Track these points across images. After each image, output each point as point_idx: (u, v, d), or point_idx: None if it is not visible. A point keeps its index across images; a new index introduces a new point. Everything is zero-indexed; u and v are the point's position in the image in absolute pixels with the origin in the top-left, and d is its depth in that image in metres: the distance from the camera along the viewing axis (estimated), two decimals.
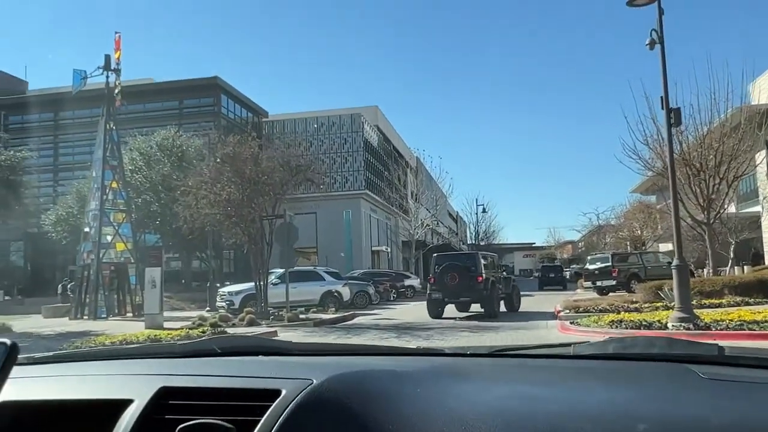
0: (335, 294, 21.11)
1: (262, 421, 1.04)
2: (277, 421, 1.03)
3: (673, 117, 10.75)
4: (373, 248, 47.86)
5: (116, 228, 23.07)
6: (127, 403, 1.17)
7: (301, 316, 17.92)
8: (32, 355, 1.61)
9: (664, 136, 17.17)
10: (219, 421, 1.06)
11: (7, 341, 0.99)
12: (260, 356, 1.52)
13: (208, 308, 22.38)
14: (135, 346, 2.08)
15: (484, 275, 17.28)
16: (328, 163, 45.73)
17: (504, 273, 20.98)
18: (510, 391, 1.19)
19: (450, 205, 71.58)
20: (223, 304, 20.78)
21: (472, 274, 17.18)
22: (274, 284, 19.25)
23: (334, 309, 19.99)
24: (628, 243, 39.54)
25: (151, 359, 1.58)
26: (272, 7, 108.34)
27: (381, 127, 51.84)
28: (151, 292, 17.43)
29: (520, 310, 19.66)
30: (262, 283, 18.68)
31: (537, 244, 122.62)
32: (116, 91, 23.05)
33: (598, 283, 25.35)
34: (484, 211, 46.05)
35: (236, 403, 1.12)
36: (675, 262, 11.34)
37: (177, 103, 41.33)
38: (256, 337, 2.12)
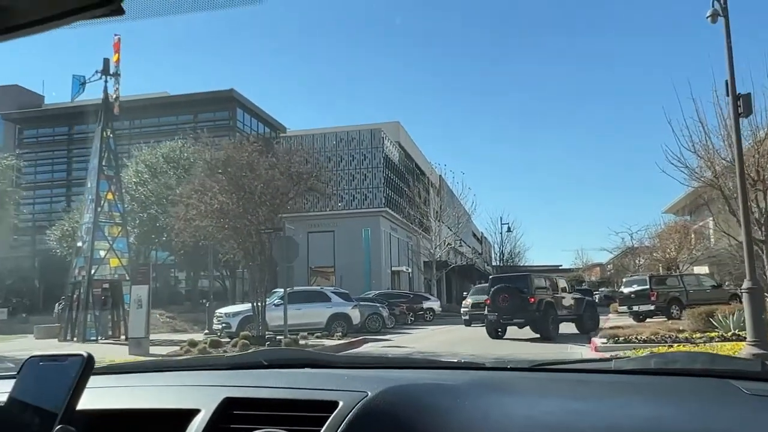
0: (343, 317, 19.09)
1: (322, 431, 1.09)
2: (337, 431, 1.07)
3: (742, 105, 8.76)
4: (393, 268, 45.91)
5: (111, 242, 21.49)
6: (194, 412, 1.21)
7: (302, 341, 16.04)
8: (102, 365, 1.66)
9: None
10: (282, 430, 1.10)
11: (84, 353, 1.07)
12: (306, 368, 1.54)
13: (206, 331, 20.65)
14: (189, 357, 2.03)
15: (536, 296, 17.23)
16: (347, 180, 44.11)
17: (572, 293, 20.29)
18: (554, 405, 1.19)
19: (474, 225, 69.42)
20: (220, 326, 18.98)
21: (524, 296, 17.14)
22: (276, 305, 17.37)
23: (341, 334, 18.08)
24: (660, 266, 36.96)
25: (212, 371, 1.65)
26: (291, 20, 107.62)
27: (402, 143, 50.06)
28: (136, 312, 15.78)
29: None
30: (259, 303, 16.83)
31: (563, 267, 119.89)
32: (114, 96, 21.57)
33: (635, 308, 22.84)
34: (509, 230, 43.76)
35: (296, 413, 1.16)
36: (746, 284, 9.28)
37: (191, 117, 39.98)
38: (301, 350, 1.70)
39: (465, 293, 62.08)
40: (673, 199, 51.99)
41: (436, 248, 35.99)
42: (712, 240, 40.15)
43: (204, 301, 30.94)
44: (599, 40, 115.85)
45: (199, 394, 1.31)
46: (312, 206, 44.76)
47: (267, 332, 16.55)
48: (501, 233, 43.40)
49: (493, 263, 47.29)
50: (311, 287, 24.26)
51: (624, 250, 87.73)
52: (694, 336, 13.09)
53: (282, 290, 17.58)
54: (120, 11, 0.78)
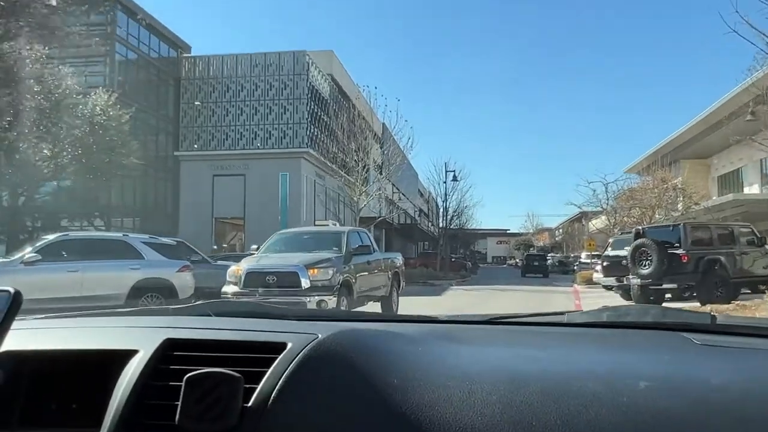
0: (162, 287, 11.03)
1: (269, 372, 1.05)
2: (285, 371, 1.04)
3: None
4: (317, 223, 38.43)
5: None
6: (132, 353, 1.16)
7: None
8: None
9: None
10: (227, 371, 1.04)
11: (11, 289, 1.00)
12: (254, 318, 1.50)
13: None
14: (134, 309, 1.85)
15: (691, 253, 13.53)
16: (263, 113, 36.36)
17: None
18: (509, 352, 1.22)
19: (421, 183, 62.51)
20: None
21: (675, 253, 13.52)
22: (27, 264, 9.76)
23: None
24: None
25: (153, 316, 1.57)
26: None
27: (336, 76, 42.31)
28: None
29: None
30: None
31: (511, 231, 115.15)
32: None
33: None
34: (455, 179, 36.69)
35: (242, 355, 1.12)
36: None
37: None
38: (250, 302, 1.71)
39: (411, 258, 56.22)
40: (635, 159, 46.35)
41: (360, 198, 28.43)
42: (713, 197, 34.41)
43: None
44: None
45: (138, 335, 1.24)
46: (219, 142, 37.07)
47: None
48: (445, 182, 36.30)
49: (440, 224, 40.11)
50: (103, 234, 16.50)
51: (577, 215, 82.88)
52: None
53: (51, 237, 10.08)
54: None
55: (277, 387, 1.02)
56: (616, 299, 16.97)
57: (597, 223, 68.89)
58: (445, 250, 37.69)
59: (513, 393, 0.97)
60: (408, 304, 12.97)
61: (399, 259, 14.06)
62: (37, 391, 1.19)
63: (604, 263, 17.25)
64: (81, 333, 1.34)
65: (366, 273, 11.34)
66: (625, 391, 0.96)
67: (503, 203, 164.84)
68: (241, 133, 36.30)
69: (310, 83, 36.59)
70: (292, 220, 35.58)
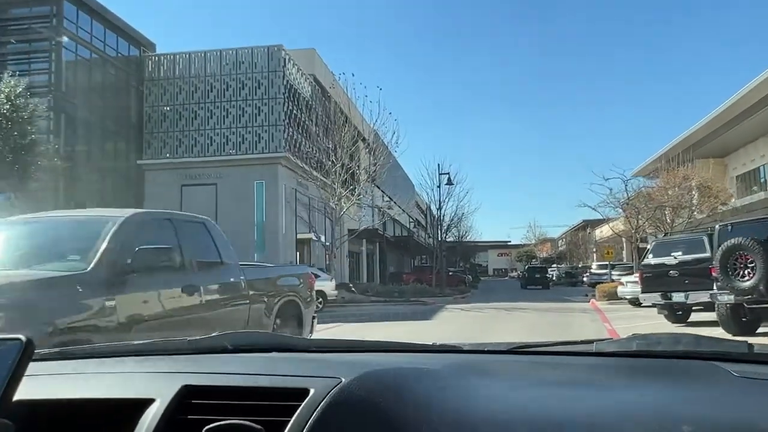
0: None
1: (291, 422, 1.01)
2: (308, 421, 1.00)
3: None
4: (299, 236, 34.77)
5: None
6: (148, 402, 1.12)
7: None
8: (45, 350, 1.50)
9: None
10: (246, 422, 1.02)
11: (23, 337, 0.97)
12: (273, 353, 1.47)
13: None
14: (147, 342, 1.74)
15: None
16: (234, 115, 32.69)
17: None
18: (538, 388, 1.16)
19: (419, 195, 58.81)
20: None
21: None
22: None
23: None
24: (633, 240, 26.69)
25: (168, 356, 1.50)
26: None
27: (320, 77, 38.61)
28: None
29: None
30: None
31: (513, 242, 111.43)
32: None
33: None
34: (449, 182, 32.76)
35: (262, 402, 1.08)
36: None
37: None
38: (268, 333, 2.28)
39: (405, 272, 51.82)
40: (644, 161, 42.79)
41: (339, 204, 24.55)
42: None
43: None
44: None
45: (154, 382, 1.20)
46: (187, 149, 33.35)
47: None
48: (439, 186, 32.25)
49: (436, 234, 36.04)
50: None
51: (580, 224, 78.94)
52: None
53: None
54: None
55: None
56: (654, 320, 13.24)
57: (605, 231, 65.29)
58: (440, 263, 33.65)
59: None
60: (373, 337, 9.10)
61: (300, 279, 7.90)
62: None
63: (645, 274, 13.21)
64: (94, 379, 1.30)
65: (175, 309, 5.59)
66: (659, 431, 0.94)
67: (504, 215, 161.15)
68: (212, 137, 32.59)
69: (287, 81, 32.93)
70: (269, 234, 31.88)
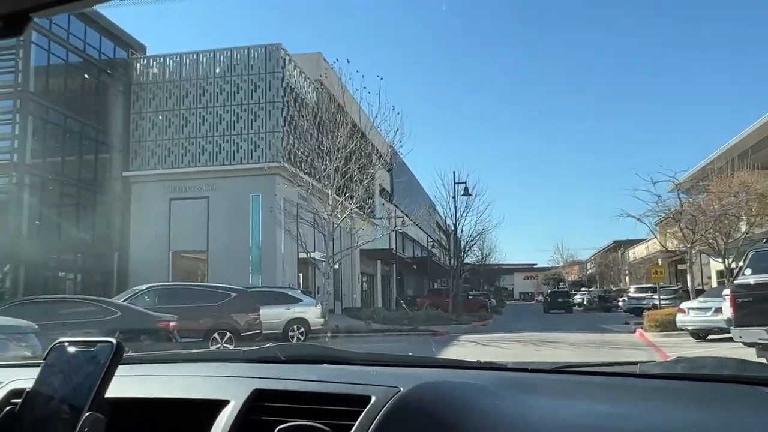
0: None
1: (356, 426, 1.07)
2: (371, 425, 1.06)
3: None
4: (301, 255, 31.23)
5: None
6: (223, 403, 1.19)
7: None
8: (132, 354, 1.60)
9: None
10: (316, 424, 1.08)
11: (113, 340, 1.07)
12: (326, 364, 1.51)
13: None
14: (203, 351, 2.30)
15: None
16: (229, 121, 29.59)
17: None
18: (580, 407, 1.17)
19: (439, 214, 55.10)
20: None
21: None
22: None
23: None
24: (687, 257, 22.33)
25: (240, 363, 1.59)
26: None
27: (327, 82, 35.34)
28: None
29: None
30: None
31: (539, 265, 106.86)
32: None
33: None
34: (466, 192, 28.91)
35: (328, 407, 1.14)
36: None
37: None
38: (318, 346, 2.13)
39: (419, 296, 47.81)
40: (686, 172, 38.60)
41: (333, 215, 20.77)
42: None
43: None
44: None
45: (227, 385, 1.29)
46: (177, 159, 30.25)
47: None
48: (455, 197, 28.34)
49: (453, 253, 32.07)
50: None
51: (611, 245, 74.31)
52: None
53: None
54: None
55: None
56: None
57: (638, 252, 60.82)
58: (457, 285, 29.68)
59: None
60: None
61: None
62: None
63: (741, 299, 9.23)
64: (173, 381, 1.39)
65: None
66: None
67: (530, 236, 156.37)
68: (203, 146, 29.51)
69: (287, 83, 29.76)
70: (266, 253, 28.58)
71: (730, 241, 22.05)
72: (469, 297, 35.69)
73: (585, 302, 48.11)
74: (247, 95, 29.43)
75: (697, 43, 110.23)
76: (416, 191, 53.50)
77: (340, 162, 20.57)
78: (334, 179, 20.49)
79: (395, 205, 48.12)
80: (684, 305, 14.38)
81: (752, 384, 1.27)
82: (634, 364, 1.49)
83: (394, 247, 53.17)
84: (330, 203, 20.34)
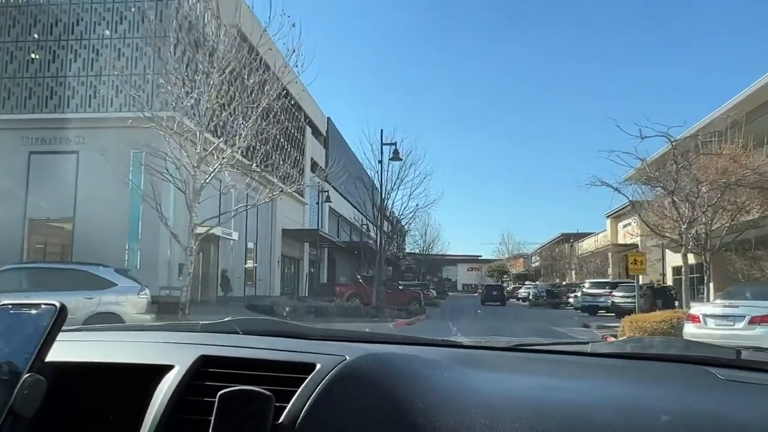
0: None
1: (299, 392, 1.08)
2: (314, 392, 1.07)
3: None
4: (200, 229, 25.51)
5: None
6: (168, 368, 1.20)
7: None
8: (76, 326, 1.61)
9: None
10: (258, 389, 1.08)
11: (57, 303, 1.05)
12: (282, 337, 1.50)
13: None
14: (162, 323, 2.01)
15: None
16: (107, 57, 23.57)
17: None
18: (533, 381, 1.21)
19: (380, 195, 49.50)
20: None
21: None
22: None
23: None
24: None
25: (185, 332, 1.59)
26: None
27: (246, 29, 29.60)
28: None
29: None
30: None
31: (483, 257, 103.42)
32: None
33: None
34: (396, 158, 23.51)
35: (272, 374, 1.16)
36: None
37: None
38: (277, 320, 2.16)
39: (338, 284, 42.48)
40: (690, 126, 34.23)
41: (198, 167, 15.13)
42: None
43: None
44: None
45: (173, 351, 1.29)
46: (39, 102, 24.25)
47: None
48: (381, 161, 23.00)
49: (376, 231, 26.83)
50: None
51: (559, 237, 70.47)
52: None
53: None
54: None
55: (306, 406, 1.05)
56: None
57: (587, 245, 56.92)
58: (379, 271, 24.33)
59: (535, 422, 0.98)
60: None
61: None
62: (77, 402, 1.24)
63: None
64: (118, 347, 1.39)
65: None
66: (644, 426, 0.98)
67: (475, 227, 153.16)
68: (74, 88, 23.63)
69: (182, 13, 23.94)
70: (148, 224, 22.94)
71: (719, 227, 17.60)
72: (399, 287, 30.68)
73: (531, 297, 43.86)
74: (131, 26, 23.65)
75: None
76: (357, 172, 48.22)
77: (219, 88, 15.14)
78: (208, 116, 15.07)
79: (327, 182, 42.79)
80: (697, 310, 9.72)
81: (697, 363, 1.33)
82: (586, 343, 1.54)
83: (326, 228, 47.87)
84: (198, 148, 14.89)
